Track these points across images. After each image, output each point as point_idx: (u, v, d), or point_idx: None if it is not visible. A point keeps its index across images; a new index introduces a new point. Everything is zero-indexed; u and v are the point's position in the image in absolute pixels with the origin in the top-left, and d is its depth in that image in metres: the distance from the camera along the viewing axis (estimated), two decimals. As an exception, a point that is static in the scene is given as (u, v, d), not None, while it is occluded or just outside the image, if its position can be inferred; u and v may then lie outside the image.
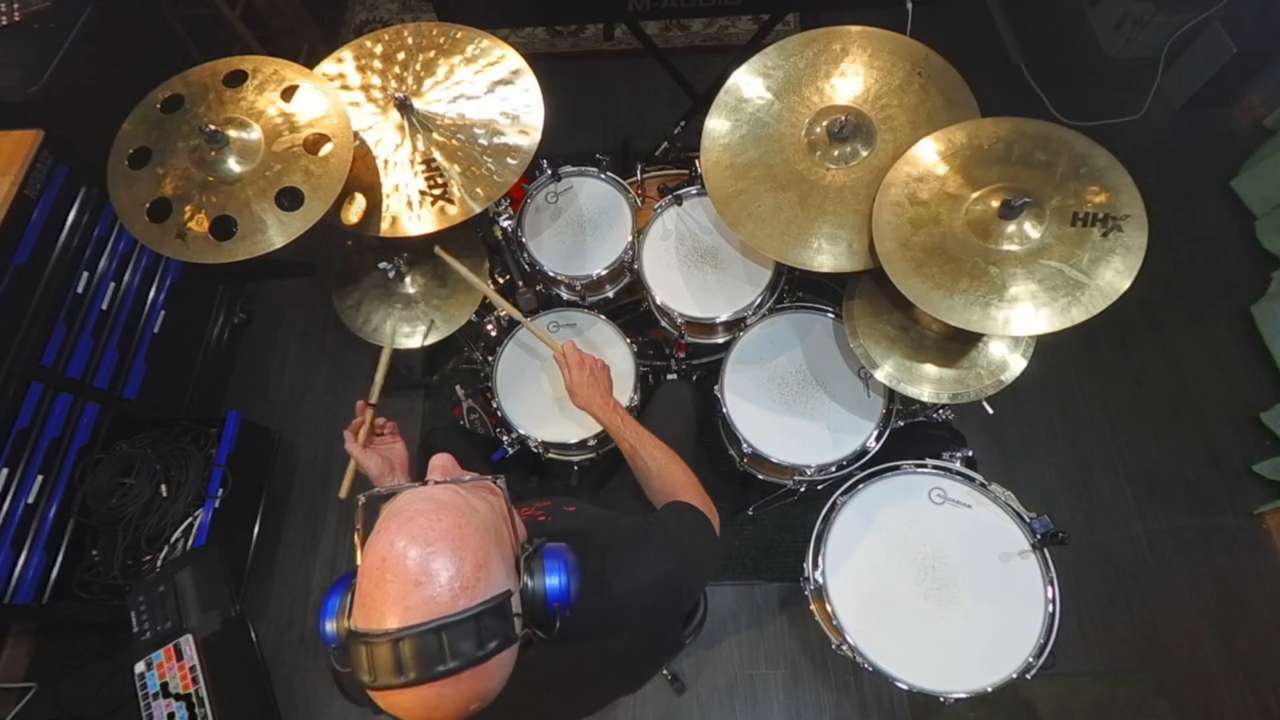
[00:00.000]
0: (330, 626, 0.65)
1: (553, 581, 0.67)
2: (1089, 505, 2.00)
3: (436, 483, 0.70)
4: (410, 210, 1.28)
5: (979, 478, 1.31)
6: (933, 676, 1.18)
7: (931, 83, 1.29)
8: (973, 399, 1.31)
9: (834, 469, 1.43)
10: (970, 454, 1.37)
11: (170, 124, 1.24)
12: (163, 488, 1.76)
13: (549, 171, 1.65)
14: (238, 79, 1.28)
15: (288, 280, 2.45)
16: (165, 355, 2.00)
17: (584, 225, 1.65)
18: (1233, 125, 2.57)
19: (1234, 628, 1.83)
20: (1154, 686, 1.77)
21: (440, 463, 0.76)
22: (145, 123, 1.25)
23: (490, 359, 1.60)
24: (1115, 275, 1.07)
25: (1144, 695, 1.77)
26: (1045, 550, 1.23)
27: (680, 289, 1.56)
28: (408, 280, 1.51)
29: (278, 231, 1.17)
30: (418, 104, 1.32)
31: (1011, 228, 1.12)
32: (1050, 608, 1.19)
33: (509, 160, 1.28)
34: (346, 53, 1.39)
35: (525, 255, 1.61)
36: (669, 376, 1.71)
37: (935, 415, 1.54)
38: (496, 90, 1.32)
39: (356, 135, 1.28)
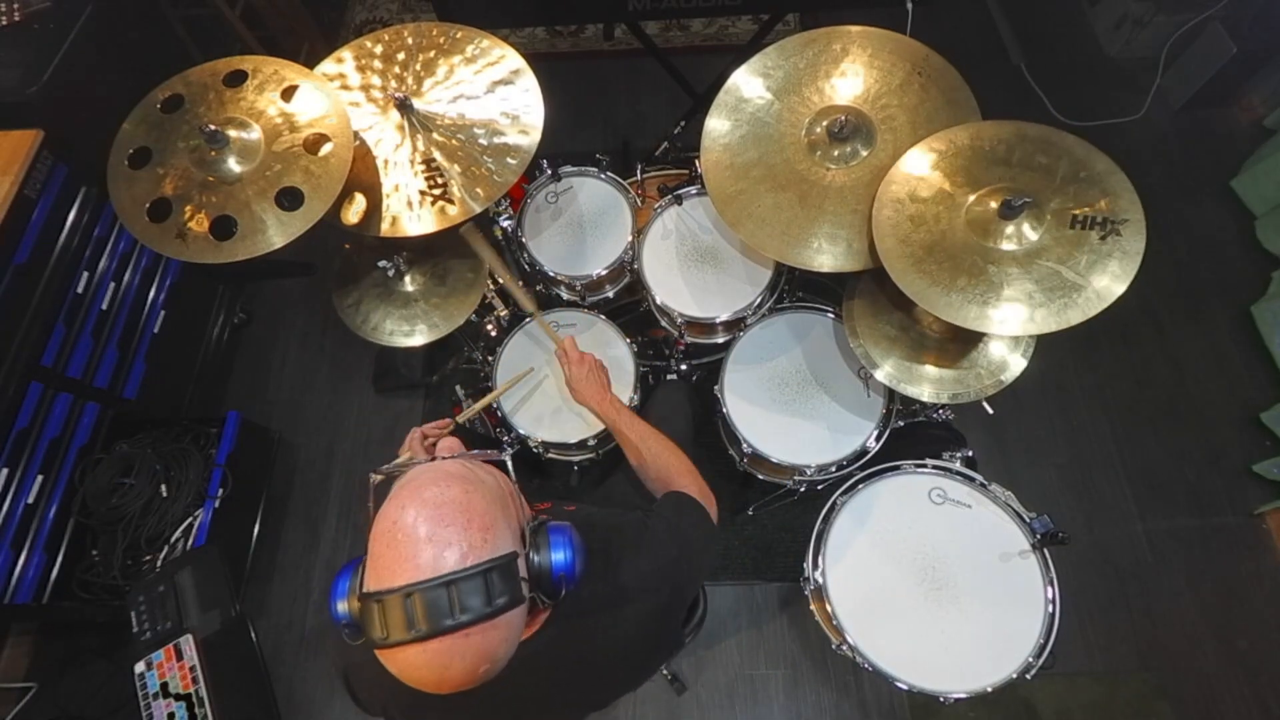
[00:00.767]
0: (342, 606, 0.68)
1: (558, 556, 0.70)
2: (1089, 505, 2.00)
3: (445, 458, 0.74)
4: (410, 210, 1.28)
5: (979, 478, 1.31)
6: (932, 676, 1.18)
7: (931, 83, 1.29)
8: (973, 399, 1.31)
9: (834, 469, 1.43)
10: (970, 454, 1.37)
11: (170, 124, 1.24)
12: (163, 488, 1.76)
13: (549, 171, 1.65)
14: (238, 79, 1.28)
15: (288, 280, 2.45)
16: (165, 355, 2.01)
17: (584, 225, 1.65)
18: (1233, 125, 2.57)
19: (1234, 628, 1.83)
20: (1154, 686, 1.77)
21: (449, 443, 0.82)
22: (145, 123, 1.25)
23: (490, 359, 1.60)
24: (1112, 279, 1.07)
25: (1144, 695, 1.77)
26: (1045, 550, 1.23)
27: (680, 289, 1.56)
28: (407, 279, 1.51)
29: (278, 231, 1.17)
30: (418, 104, 1.32)
31: (1010, 228, 1.13)
32: (1050, 608, 1.19)
33: (509, 160, 1.28)
34: (346, 53, 1.39)
35: (525, 255, 1.61)
36: (669, 377, 1.71)
37: (935, 415, 1.54)
38: (496, 90, 1.32)
39: (356, 135, 1.28)
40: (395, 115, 1.32)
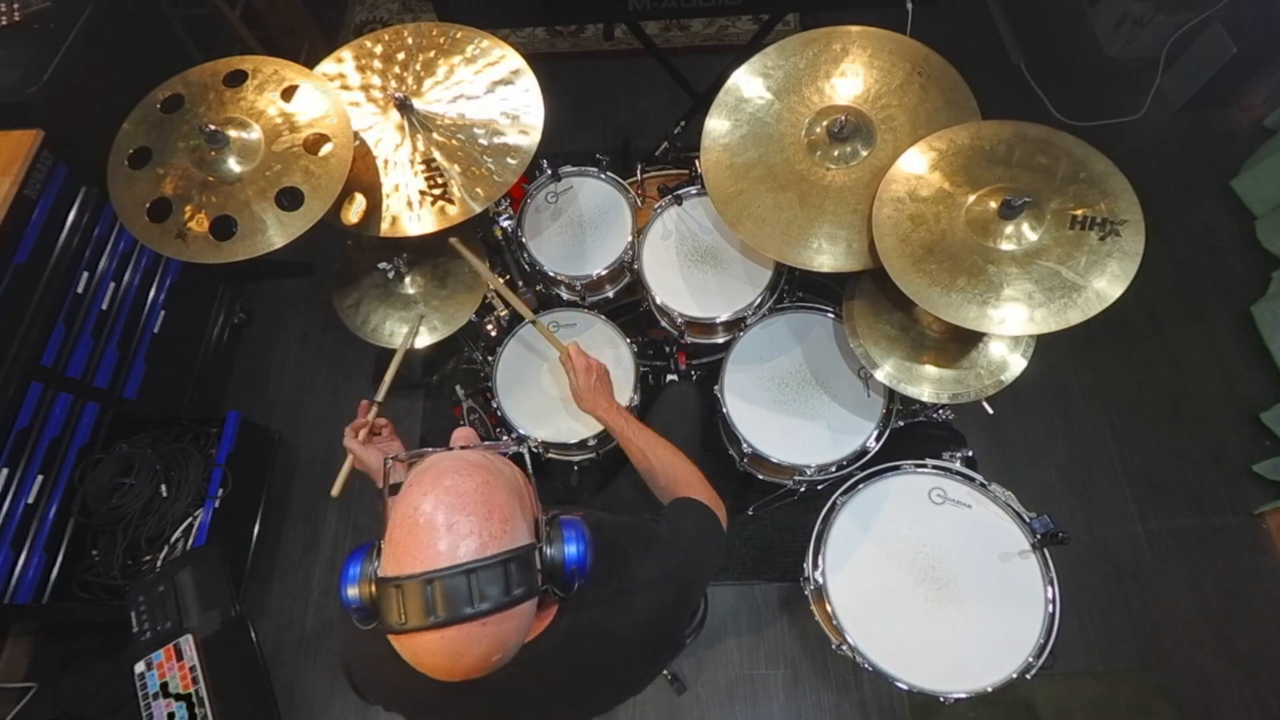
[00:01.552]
0: (353, 591, 0.67)
1: (571, 549, 0.70)
2: (1089, 505, 2.00)
3: (462, 448, 0.74)
4: (410, 210, 1.28)
5: (979, 478, 1.31)
6: (933, 676, 1.18)
7: (931, 83, 1.29)
8: (973, 399, 1.31)
9: (834, 469, 1.43)
10: (970, 454, 1.37)
11: (170, 124, 1.24)
12: (163, 488, 1.76)
13: (549, 171, 1.65)
14: (238, 79, 1.28)
15: (288, 280, 2.45)
16: (165, 355, 2.00)
17: (584, 225, 1.65)
18: (1233, 125, 2.57)
19: (1234, 628, 1.83)
20: (1154, 686, 1.77)
21: (463, 433, 0.82)
22: (145, 123, 1.25)
23: (490, 359, 1.60)
24: (1112, 279, 1.07)
25: (1144, 695, 1.77)
26: (1045, 550, 1.23)
27: (680, 289, 1.56)
28: (407, 280, 1.51)
29: (278, 231, 1.17)
30: (418, 104, 1.32)
31: (1010, 228, 1.13)
32: (1050, 608, 1.19)
33: (509, 160, 1.28)
34: (346, 53, 1.39)
35: (525, 255, 1.61)
36: (669, 377, 1.71)
37: (935, 415, 1.54)
38: (496, 90, 1.32)
39: (356, 135, 1.28)
40: (395, 115, 1.32)
